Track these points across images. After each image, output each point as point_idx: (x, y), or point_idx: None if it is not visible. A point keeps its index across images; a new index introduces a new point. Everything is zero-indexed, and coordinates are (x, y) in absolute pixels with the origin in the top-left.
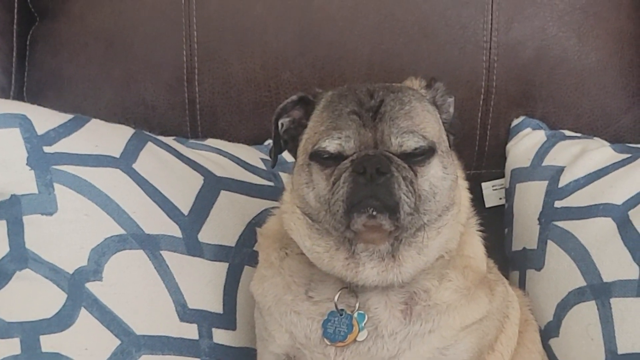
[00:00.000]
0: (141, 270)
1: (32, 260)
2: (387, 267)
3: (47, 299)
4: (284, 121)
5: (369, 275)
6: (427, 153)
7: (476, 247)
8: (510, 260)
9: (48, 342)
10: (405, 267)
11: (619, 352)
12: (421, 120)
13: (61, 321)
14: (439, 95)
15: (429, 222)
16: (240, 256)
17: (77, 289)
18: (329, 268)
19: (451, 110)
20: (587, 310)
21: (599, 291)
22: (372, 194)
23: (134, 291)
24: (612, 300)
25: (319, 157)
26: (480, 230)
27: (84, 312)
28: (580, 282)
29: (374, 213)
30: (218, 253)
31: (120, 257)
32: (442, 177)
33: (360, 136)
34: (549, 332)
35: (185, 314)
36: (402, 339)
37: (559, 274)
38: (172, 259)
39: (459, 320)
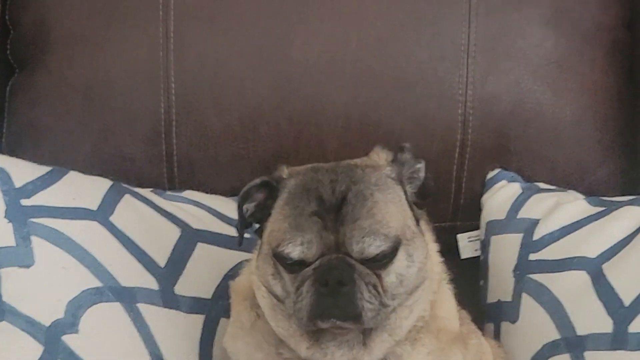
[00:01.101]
0: (117, 323)
1: (9, 312)
2: (357, 355)
3: (24, 352)
4: (248, 206)
5: None
6: (390, 254)
7: (448, 305)
8: (486, 312)
9: None
10: (376, 351)
11: None
12: (383, 216)
13: None
14: (406, 168)
15: (400, 304)
16: (216, 309)
17: (53, 341)
18: (295, 348)
19: (421, 175)
20: None
21: (573, 344)
22: (335, 305)
23: (111, 344)
24: (586, 354)
25: (284, 261)
26: (454, 281)
27: None
28: (555, 335)
29: (338, 322)
30: (194, 305)
31: (97, 310)
32: (408, 266)
33: (323, 239)
34: None
35: None
36: None
37: (533, 327)
38: (149, 311)
39: None
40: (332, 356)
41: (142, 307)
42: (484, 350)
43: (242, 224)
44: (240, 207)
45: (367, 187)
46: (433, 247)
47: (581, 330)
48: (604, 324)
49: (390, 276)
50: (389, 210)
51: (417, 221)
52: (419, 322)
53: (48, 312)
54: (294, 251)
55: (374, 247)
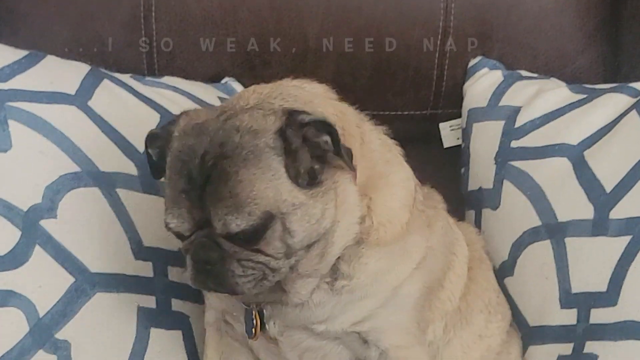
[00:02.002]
0: (96, 208)
1: None
2: (282, 298)
3: (1, 236)
4: (152, 152)
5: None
6: (259, 230)
7: (391, 206)
8: (467, 200)
9: (1, 280)
10: (301, 293)
11: (573, 291)
12: (247, 194)
13: (15, 258)
14: (306, 142)
15: (305, 254)
16: None
17: (31, 226)
18: None
19: (328, 147)
20: (542, 250)
21: (554, 231)
22: (210, 280)
23: (89, 229)
24: (567, 240)
25: (169, 230)
26: (435, 171)
27: (38, 250)
28: (536, 222)
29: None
30: None
31: (75, 195)
32: (286, 237)
33: (192, 216)
34: (504, 271)
35: (140, 251)
36: (332, 305)
37: (514, 213)
38: (128, 196)
39: (394, 279)
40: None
41: (121, 192)
42: (456, 236)
43: (152, 166)
44: (146, 150)
45: (235, 163)
46: (352, 190)
47: (562, 216)
48: (585, 211)
49: (271, 246)
50: (256, 187)
51: (316, 181)
52: (353, 242)
53: (26, 197)
54: (172, 223)
55: (235, 225)
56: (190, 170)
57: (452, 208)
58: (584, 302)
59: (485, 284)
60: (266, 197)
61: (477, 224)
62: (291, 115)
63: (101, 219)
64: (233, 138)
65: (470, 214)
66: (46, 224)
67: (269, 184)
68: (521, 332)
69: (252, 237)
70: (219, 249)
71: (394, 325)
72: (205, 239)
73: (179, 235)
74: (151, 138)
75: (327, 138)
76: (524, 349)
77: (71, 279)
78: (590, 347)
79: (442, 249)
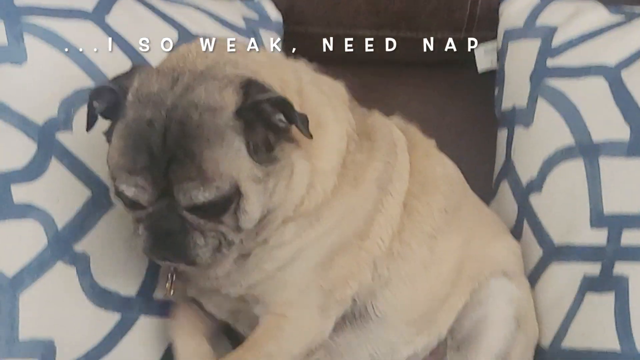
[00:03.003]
0: None
1: (2, 110)
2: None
3: (18, 150)
4: (97, 105)
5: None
6: (221, 204)
7: (322, 172)
8: (500, 120)
9: (19, 193)
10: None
11: (605, 211)
12: (214, 172)
13: (32, 172)
14: (262, 118)
15: (253, 230)
16: None
17: (47, 139)
18: None
19: (282, 125)
20: (574, 169)
21: (588, 150)
22: (167, 250)
23: (104, 142)
24: (601, 160)
25: (120, 195)
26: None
27: (54, 163)
28: (569, 140)
29: (173, 263)
30: None
31: None
32: (246, 211)
33: (155, 188)
34: (531, 188)
35: None
36: (235, 270)
37: (547, 131)
38: None
39: (298, 243)
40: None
41: None
42: (397, 167)
43: (90, 118)
44: (89, 102)
45: (199, 143)
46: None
47: (597, 136)
48: (621, 131)
49: (232, 218)
50: (221, 165)
51: (272, 155)
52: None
53: (41, 111)
54: (129, 191)
55: (202, 196)
56: (150, 147)
57: (484, 134)
58: (616, 223)
59: (426, 210)
60: (230, 174)
61: (509, 142)
62: (248, 91)
63: None
64: (193, 116)
65: (503, 133)
66: (62, 137)
67: (232, 162)
68: (543, 250)
69: (217, 209)
70: (181, 219)
71: (288, 284)
72: (165, 209)
73: (133, 204)
74: (100, 91)
75: (281, 116)
76: (544, 266)
77: (88, 192)
78: (620, 268)
79: (366, 202)
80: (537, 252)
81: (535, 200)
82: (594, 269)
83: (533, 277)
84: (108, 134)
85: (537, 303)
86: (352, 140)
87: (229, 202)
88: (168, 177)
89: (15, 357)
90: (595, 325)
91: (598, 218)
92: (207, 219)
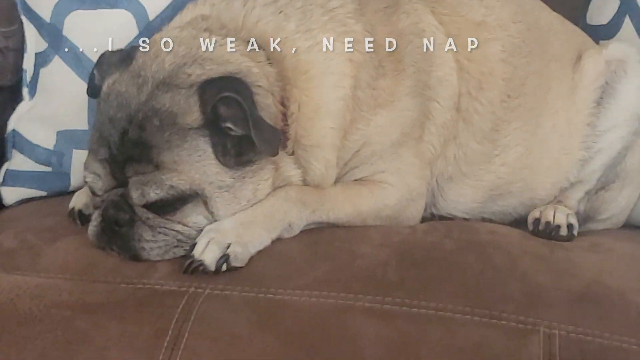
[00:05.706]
0: None
1: None
2: None
3: None
4: (98, 74)
5: None
6: (177, 200)
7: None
8: None
9: None
10: None
11: None
12: (170, 174)
13: None
14: (227, 123)
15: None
16: None
17: None
18: None
19: (237, 133)
20: None
21: None
22: (113, 241)
23: None
24: None
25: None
26: None
27: None
28: None
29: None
30: None
31: None
32: (208, 216)
33: (110, 181)
34: None
35: None
36: None
37: None
38: None
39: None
40: None
41: None
42: (438, 71)
43: (91, 85)
44: (94, 68)
45: (156, 146)
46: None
47: None
48: None
49: (189, 219)
50: (180, 168)
51: (243, 159)
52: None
53: None
54: (88, 177)
55: (154, 194)
56: (109, 144)
57: None
58: None
59: (485, 109)
60: (190, 177)
61: None
62: (203, 95)
63: None
64: (153, 122)
65: None
66: None
67: (194, 165)
68: None
69: (168, 207)
70: (131, 211)
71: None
72: (118, 199)
73: (92, 190)
74: (101, 62)
75: (229, 124)
76: None
77: None
78: None
79: (410, 112)
80: None
81: None
82: None
83: None
84: None
85: None
86: (368, 69)
87: (183, 202)
88: (124, 171)
89: None
90: None
91: None
92: (157, 214)
